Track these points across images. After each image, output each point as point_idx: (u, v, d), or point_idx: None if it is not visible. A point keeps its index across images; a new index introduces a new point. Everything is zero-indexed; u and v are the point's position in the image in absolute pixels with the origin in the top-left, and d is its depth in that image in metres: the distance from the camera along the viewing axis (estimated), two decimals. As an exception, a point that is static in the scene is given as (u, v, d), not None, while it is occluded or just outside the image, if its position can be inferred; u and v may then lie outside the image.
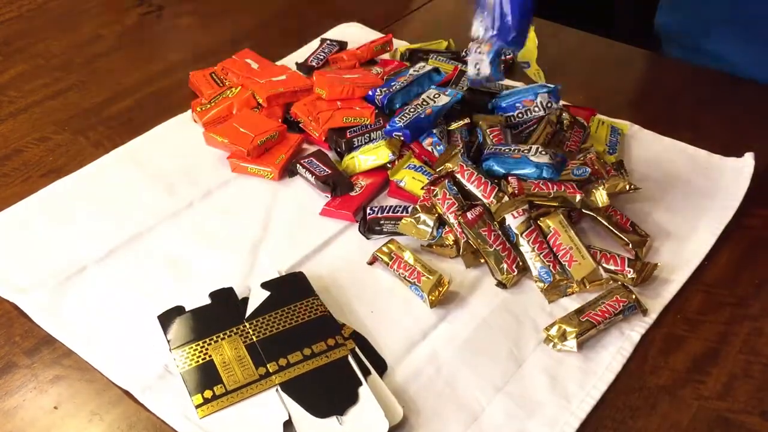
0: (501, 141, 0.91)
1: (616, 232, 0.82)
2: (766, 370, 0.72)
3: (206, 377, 0.69)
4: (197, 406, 0.67)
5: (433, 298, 0.77)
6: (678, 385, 0.71)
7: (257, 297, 0.76)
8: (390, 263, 0.80)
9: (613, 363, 0.72)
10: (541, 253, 0.80)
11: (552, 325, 0.74)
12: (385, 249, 0.81)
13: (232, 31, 1.28)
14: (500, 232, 0.81)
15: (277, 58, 1.16)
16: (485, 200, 0.83)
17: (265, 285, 0.77)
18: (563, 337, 0.73)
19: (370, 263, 0.82)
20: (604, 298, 0.75)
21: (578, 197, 0.82)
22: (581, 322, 0.73)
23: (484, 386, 0.70)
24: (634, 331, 0.75)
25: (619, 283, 0.78)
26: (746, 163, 0.93)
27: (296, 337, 0.72)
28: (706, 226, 0.86)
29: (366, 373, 0.70)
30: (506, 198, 0.83)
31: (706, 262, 0.83)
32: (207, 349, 0.71)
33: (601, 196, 0.83)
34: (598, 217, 0.82)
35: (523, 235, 0.80)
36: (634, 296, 0.75)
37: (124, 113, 1.09)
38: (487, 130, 0.92)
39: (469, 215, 0.80)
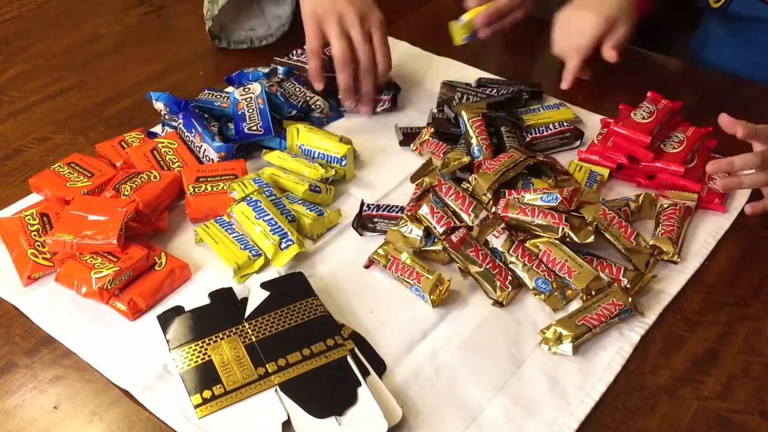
0: (483, 131, 0.91)
1: (619, 248, 0.81)
2: (766, 370, 0.72)
3: (205, 377, 0.69)
4: (196, 406, 0.67)
5: (435, 298, 0.77)
6: (678, 385, 0.71)
7: (256, 297, 0.76)
8: (387, 265, 0.80)
9: (613, 364, 0.72)
10: (533, 265, 0.79)
11: (548, 327, 0.74)
12: (381, 251, 0.81)
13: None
14: (488, 251, 0.80)
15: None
16: (463, 214, 0.82)
17: (264, 285, 0.77)
18: (559, 340, 0.72)
19: (366, 267, 0.82)
20: (600, 301, 0.75)
21: (562, 228, 0.79)
22: (577, 325, 0.73)
23: (483, 386, 0.70)
24: (633, 332, 0.75)
25: (615, 285, 0.77)
26: None
27: (295, 337, 0.72)
28: (707, 229, 0.86)
29: (365, 373, 0.70)
30: (484, 211, 0.82)
31: (707, 262, 0.82)
32: (206, 349, 0.71)
33: (586, 236, 0.79)
34: (603, 232, 0.81)
35: (510, 251, 0.79)
36: (630, 299, 0.75)
37: (124, 113, 1.09)
38: (469, 121, 0.92)
39: (453, 238, 0.79)
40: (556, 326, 0.73)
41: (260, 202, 0.84)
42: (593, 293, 0.77)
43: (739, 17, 1.09)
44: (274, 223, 0.82)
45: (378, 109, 1.05)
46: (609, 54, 1.00)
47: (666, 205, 0.86)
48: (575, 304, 0.77)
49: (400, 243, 0.82)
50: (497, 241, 0.80)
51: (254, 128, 0.96)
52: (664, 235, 0.82)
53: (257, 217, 0.82)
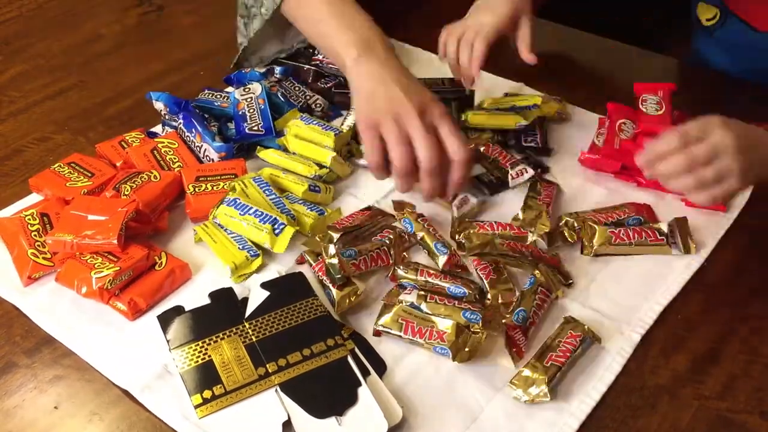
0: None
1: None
2: (766, 370, 0.72)
3: (205, 377, 0.69)
4: (196, 407, 0.67)
5: (342, 306, 0.75)
6: (678, 385, 0.71)
7: (257, 297, 0.76)
8: (314, 264, 0.79)
9: (613, 364, 0.72)
10: (453, 304, 0.75)
11: (516, 376, 0.69)
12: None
13: (231, 31, 1.28)
14: (416, 320, 0.74)
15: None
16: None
17: (264, 285, 0.77)
18: (532, 385, 0.69)
19: (299, 263, 0.82)
20: (558, 336, 0.72)
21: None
22: (546, 367, 0.69)
23: (483, 386, 0.70)
24: (634, 332, 0.75)
25: (563, 318, 0.74)
26: None
27: (296, 337, 0.72)
28: (707, 229, 0.86)
29: (365, 373, 0.70)
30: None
31: (706, 263, 0.82)
32: (206, 349, 0.71)
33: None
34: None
35: (427, 299, 0.75)
36: (586, 327, 0.73)
37: (124, 113, 1.09)
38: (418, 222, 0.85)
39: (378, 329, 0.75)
40: (525, 369, 0.69)
41: (239, 199, 0.84)
42: (500, 299, 0.75)
43: (729, 43, 1.09)
44: (260, 213, 0.82)
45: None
46: (529, 58, 0.99)
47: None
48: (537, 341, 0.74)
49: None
50: (410, 297, 0.75)
51: (255, 128, 0.96)
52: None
53: (242, 213, 0.82)
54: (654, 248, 0.82)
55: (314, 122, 0.96)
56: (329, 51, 0.93)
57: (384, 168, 0.83)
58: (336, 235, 0.78)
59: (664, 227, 0.83)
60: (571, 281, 0.80)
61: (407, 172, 0.80)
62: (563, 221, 0.85)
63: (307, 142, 0.94)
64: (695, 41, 1.20)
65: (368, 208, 0.87)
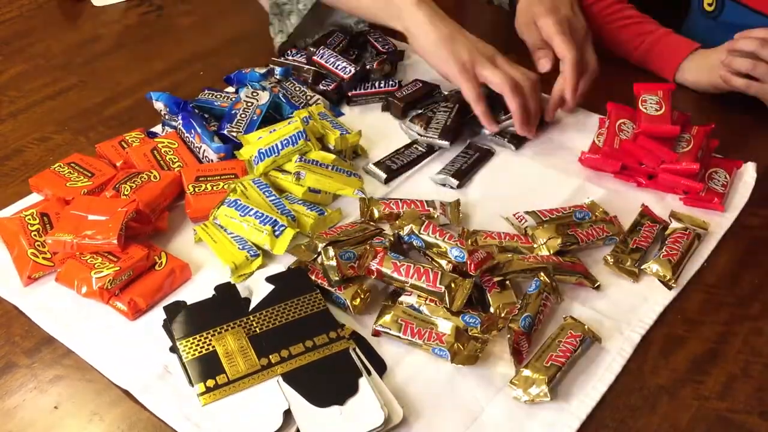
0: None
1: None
2: (766, 370, 0.72)
3: (209, 367, 0.69)
4: (200, 394, 0.67)
5: (357, 303, 0.75)
6: (678, 385, 0.71)
7: (261, 290, 0.76)
8: (310, 272, 0.79)
9: (613, 364, 0.72)
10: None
11: (516, 376, 0.69)
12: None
13: (231, 31, 1.28)
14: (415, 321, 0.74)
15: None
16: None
17: (269, 279, 0.77)
18: (532, 385, 0.69)
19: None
20: (558, 336, 0.72)
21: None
22: (546, 367, 0.69)
23: (483, 386, 0.70)
24: (634, 332, 0.75)
25: (564, 318, 0.75)
26: (748, 172, 0.93)
27: (298, 329, 0.72)
28: (707, 231, 0.86)
29: (366, 373, 0.70)
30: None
31: (706, 264, 0.82)
32: (210, 340, 0.71)
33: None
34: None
35: (427, 302, 0.75)
36: (586, 327, 0.73)
37: (124, 113, 1.09)
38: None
39: (378, 329, 0.74)
40: (525, 369, 0.69)
41: (239, 200, 0.84)
42: (502, 312, 0.74)
43: (731, 25, 1.10)
44: (261, 215, 0.82)
45: None
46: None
47: (675, 229, 0.84)
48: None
49: None
50: (410, 298, 0.76)
51: (233, 132, 0.96)
52: (665, 257, 0.81)
53: (242, 214, 0.83)
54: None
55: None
56: (379, 7, 1.00)
57: (484, 98, 0.95)
58: (321, 245, 0.78)
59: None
60: (598, 284, 0.79)
61: (517, 88, 0.94)
62: None
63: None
64: (697, 27, 1.20)
65: (354, 222, 0.86)
